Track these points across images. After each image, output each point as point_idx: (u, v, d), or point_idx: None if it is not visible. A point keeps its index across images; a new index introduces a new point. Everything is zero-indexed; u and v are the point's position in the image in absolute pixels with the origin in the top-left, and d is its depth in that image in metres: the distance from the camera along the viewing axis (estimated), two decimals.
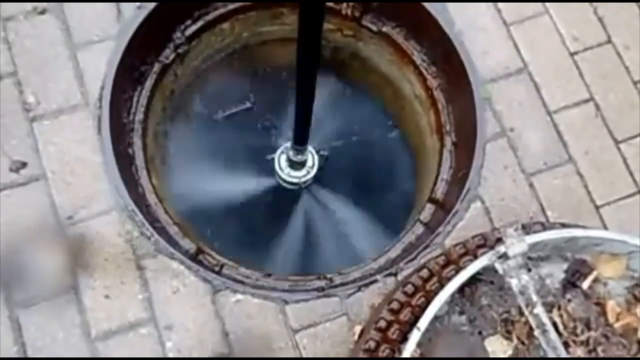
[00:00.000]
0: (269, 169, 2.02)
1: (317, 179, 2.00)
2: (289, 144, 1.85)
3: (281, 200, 2.08)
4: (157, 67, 1.64)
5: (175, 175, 1.89)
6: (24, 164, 1.52)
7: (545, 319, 1.17)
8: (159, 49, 1.65)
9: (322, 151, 2.03)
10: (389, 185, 2.06)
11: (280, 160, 1.98)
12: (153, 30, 1.61)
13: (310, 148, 1.91)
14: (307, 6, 0.97)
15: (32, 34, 1.61)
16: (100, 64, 1.59)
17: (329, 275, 1.53)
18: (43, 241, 1.48)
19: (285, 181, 1.99)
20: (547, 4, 1.75)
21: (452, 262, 1.39)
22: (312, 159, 1.97)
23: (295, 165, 1.93)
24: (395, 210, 1.97)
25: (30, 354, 1.41)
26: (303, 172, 1.97)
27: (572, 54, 1.73)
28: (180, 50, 1.67)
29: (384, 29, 1.75)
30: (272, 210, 2.10)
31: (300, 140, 1.71)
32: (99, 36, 1.61)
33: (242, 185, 2.06)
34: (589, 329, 1.23)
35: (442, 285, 1.36)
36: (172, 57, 1.66)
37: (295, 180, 1.98)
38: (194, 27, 1.68)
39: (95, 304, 1.45)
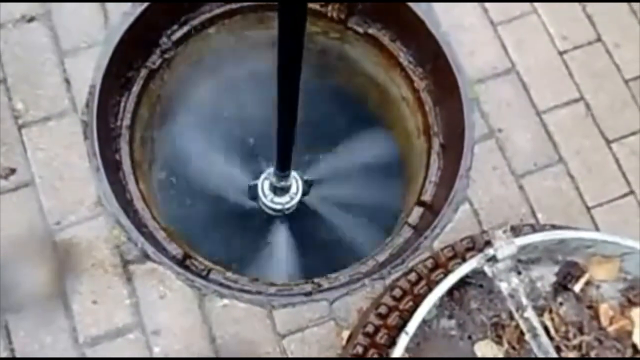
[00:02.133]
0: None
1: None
2: (272, 169, 1.72)
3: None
4: (143, 72, 1.54)
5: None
6: (12, 170, 1.43)
7: (536, 323, 1.08)
8: (145, 55, 1.55)
9: (306, 177, 1.90)
10: (377, 188, 1.95)
11: (264, 187, 1.85)
12: (139, 35, 1.51)
13: (294, 174, 1.79)
14: (286, 38, 0.87)
15: (21, 42, 1.52)
16: (88, 70, 1.49)
17: (316, 280, 1.43)
18: (32, 247, 1.39)
19: (268, 207, 1.86)
20: (535, 3, 1.64)
21: (441, 265, 1.30)
22: (296, 184, 1.84)
23: (279, 191, 1.81)
24: (383, 213, 1.85)
25: None
26: (286, 198, 1.84)
27: (561, 53, 1.62)
28: (166, 56, 1.57)
29: (370, 31, 1.64)
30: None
31: (282, 167, 1.59)
32: (86, 42, 1.52)
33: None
34: (581, 333, 1.14)
35: (430, 289, 1.27)
36: (158, 62, 1.56)
37: (278, 207, 1.85)
38: (180, 32, 1.58)
39: (83, 310, 1.36)
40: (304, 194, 1.87)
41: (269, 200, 1.84)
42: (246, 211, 1.93)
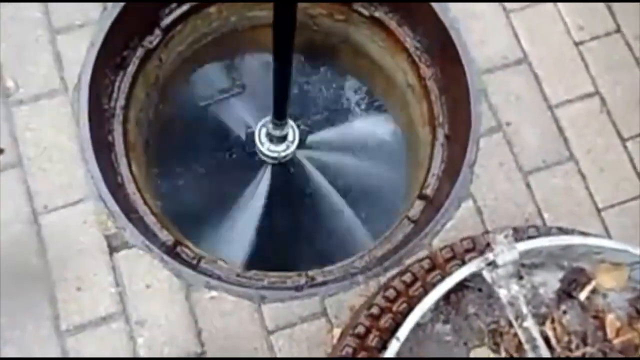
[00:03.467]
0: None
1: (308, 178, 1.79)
2: (269, 118, 1.65)
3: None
4: (140, 52, 1.43)
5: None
6: (1, 150, 1.34)
7: (536, 333, 0.97)
8: (142, 34, 1.44)
9: (302, 125, 1.82)
10: (379, 177, 1.84)
11: (261, 134, 1.77)
12: (136, 14, 1.40)
13: (290, 122, 1.71)
14: None
15: (14, 17, 1.41)
16: (81, 48, 1.39)
17: (310, 273, 1.32)
18: (18, 230, 1.30)
19: (265, 155, 1.79)
20: None
21: (438, 266, 1.18)
22: (292, 133, 1.77)
23: (275, 139, 1.74)
24: (385, 204, 1.75)
25: (0, 345, 1.24)
26: (283, 146, 1.77)
27: (576, 44, 1.48)
28: (165, 35, 1.46)
29: (376, 14, 1.51)
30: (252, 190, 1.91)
31: (279, 115, 1.51)
32: (80, 20, 1.41)
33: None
34: (585, 344, 1.03)
35: (425, 291, 1.16)
36: (156, 41, 1.45)
37: (275, 155, 1.78)
38: (179, 11, 1.46)
39: (67, 296, 1.27)
40: (301, 141, 1.80)
41: (266, 148, 1.77)
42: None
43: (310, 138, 1.88)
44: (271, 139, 1.76)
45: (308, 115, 1.88)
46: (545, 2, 1.50)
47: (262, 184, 1.89)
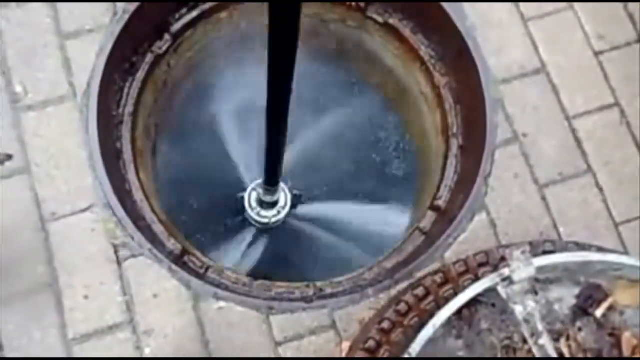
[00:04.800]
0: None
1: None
2: (259, 181, 1.64)
3: None
4: (149, 57, 1.45)
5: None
6: (9, 157, 1.35)
7: (551, 351, 0.98)
8: (152, 39, 1.46)
9: (295, 190, 1.81)
10: (390, 187, 1.84)
11: (251, 199, 1.76)
12: (146, 19, 1.42)
13: (282, 186, 1.69)
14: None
15: (23, 22, 1.44)
16: (90, 54, 1.41)
17: (318, 284, 1.34)
18: (25, 237, 1.32)
19: (255, 220, 1.78)
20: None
21: (451, 280, 1.19)
22: (284, 198, 1.75)
23: (266, 205, 1.72)
24: (395, 213, 1.75)
25: (6, 353, 1.26)
26: (274, 211, 1.75)
27: (596, 54, 1.48)
28: (174, 41, 1.48)
29: (390, 21, 1.52)
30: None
31: (271, 181, 1.49)
32: (90, 25, 1.43)
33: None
34: None
35: (438, 306, 1.18)
36: (165, 47, 1.47)
37: (264, 221, 1.76)
38: (189, 16, 1.48)
39: (74, 305, 1.29)
40: (293, 207, 1.78)
41: (256, 213, 1.76)
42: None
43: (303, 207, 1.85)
44: (261, 204, 1.73)
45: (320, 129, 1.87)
46: (566, 10, 1.50)
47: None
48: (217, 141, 1.88)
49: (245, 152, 1.88)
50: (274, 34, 0.75)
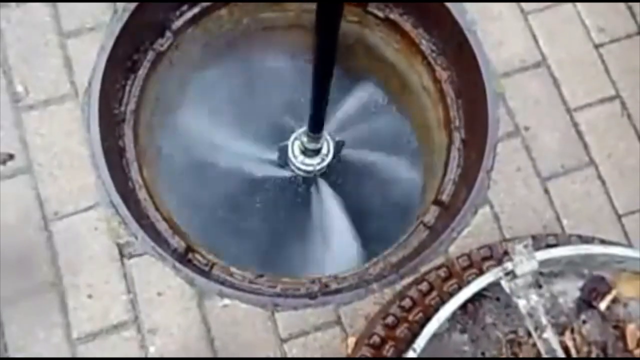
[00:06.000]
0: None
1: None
2: (302, 130, 1.64)
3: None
4: (151, 55, 1.44)
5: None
6: (11, 156, 1.35)
7: (555, 344, 0.97)
8: (153, 37, 1.45)
9: (337, 137, 1.80)
10: (393, 182, 1.84)
11: (294, 148, 1.76)
12: (147, 17, 1.41)
13: (325, 134, 1.70)
14: None
15: (23, 21, 1.42)
16: (91, 52, 1.40)
17: (323, 279, 1.33)
18: (28, 236, 1.31)
19: (299, 169, 1.78)
20: None
21: (455, 275, 1.20)
22: (327, 146, 1.75)
23: (310, 152, 1.72)
24: (399, 207, 1.75)
25: (11, 353, 1.25)
26: (317, 159, 1.75)
27: (597, 47, 1.48)
28: (176, 38, 1.47)
29: (391, 16, 1.51)
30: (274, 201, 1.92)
31: (316, 127, 1.50)
32: (90, 24, 1.42)
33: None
34: (605, 354, 1.03)
35: (442, 300, 1.17)
36: (167, 44, 1.46)
37: (309, 169, 1.76)
38: (190, 13, 1.47)
39: (78, 304, 1.28)
40: (335, 155, 1.78)
41: (300, 162, 1.76)
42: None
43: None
44: (305, 152, 1.74)
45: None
46: (565, 3, 1.49)
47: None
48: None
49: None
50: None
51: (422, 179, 1.73)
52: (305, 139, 1.68)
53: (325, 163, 1.78)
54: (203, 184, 1.82)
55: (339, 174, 1.93)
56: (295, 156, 1.77)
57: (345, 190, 1.92)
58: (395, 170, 1.87)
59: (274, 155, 1.85)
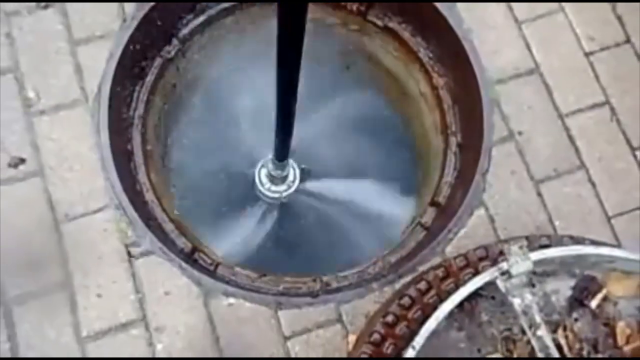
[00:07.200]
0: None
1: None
2: (269, 157, 1.66)
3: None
4: (158, 61, 1.47)
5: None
6: (22, 160, 1.37)
7: (549, 341, 1.00)
8: (160, 44, 1.47)
9: (303, 165, 1.82)
10: (391, 184, 1.86)
11: (261, 175, 1.79)
12: (155, 24, 1.43)
13: (291, 162, 1.72)
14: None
15: (34, 29, 1.44)
16: (101, 59, 1.42)
17: (324, 278, 1.35)
18: (40, 238, 1.33)
19: (265, 195, 1.80)
20: (563, 2, 1.51)
21: (452, 274, 1.22)
22: (293, 173, 1.78)
23: (276, 180, 1.75)
24: (396, 210, 1.77)
25: (22, 352, 1.27)
26: (284, 186, 1.78)
27: (587, 54, 1.50)
28: (182, 45, 1.49)
29: (390, 25, 1.54)
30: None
31: (281, 156, 1.51)
32: (100, 31, 1.44)
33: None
34: (596, 351, 1.06)
35: (440, 299, 1.19)
36: (174, 51, 1.48)
37: (276, 195, 1.79)
38: (196, 21, 1.49)
39: (88, 303, 1.30)
40: (302, 181, 1.80)
41: (266, 189, 1.78)
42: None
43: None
44: (272, 179, 1.76)
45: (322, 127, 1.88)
46: (556, 13, 1.51)
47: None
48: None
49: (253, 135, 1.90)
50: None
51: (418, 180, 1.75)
52: (271, 166, 1.69)
53: (291, 190, 1.80)
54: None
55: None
56: (262, 183, 1.79)
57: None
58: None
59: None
